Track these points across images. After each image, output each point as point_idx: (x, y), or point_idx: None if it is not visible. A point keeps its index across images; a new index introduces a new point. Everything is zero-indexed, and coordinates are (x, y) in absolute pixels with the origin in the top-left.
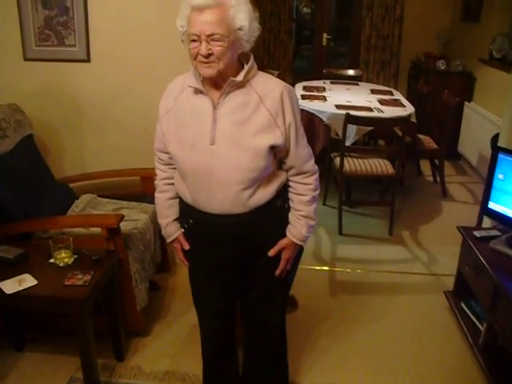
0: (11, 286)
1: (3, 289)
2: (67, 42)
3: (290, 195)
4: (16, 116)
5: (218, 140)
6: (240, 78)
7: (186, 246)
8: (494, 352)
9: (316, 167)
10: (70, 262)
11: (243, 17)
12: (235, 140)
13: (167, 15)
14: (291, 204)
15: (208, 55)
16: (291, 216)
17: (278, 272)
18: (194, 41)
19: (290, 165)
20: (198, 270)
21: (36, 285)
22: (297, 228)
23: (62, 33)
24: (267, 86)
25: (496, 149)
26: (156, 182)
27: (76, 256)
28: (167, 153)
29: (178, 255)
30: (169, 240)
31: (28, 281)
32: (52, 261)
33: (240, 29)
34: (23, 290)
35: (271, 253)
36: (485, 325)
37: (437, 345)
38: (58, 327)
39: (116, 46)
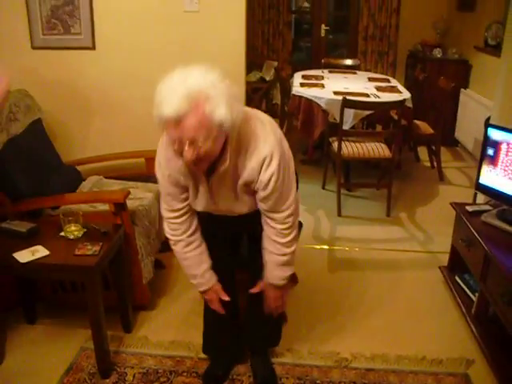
0: (25, 256)
1: (17, 258)
2: (73, 31)
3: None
4: (25, 101)
5: (217, 200)
6: (226, 164)
7: (226, 297)
8: (485, 321)
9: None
10: (79, 235)
11: (223, 111)
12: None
13: (170, 1)
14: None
15: (195, 160)
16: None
17: (266, 310)
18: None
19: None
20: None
21: (48, 255)
22: (272, 274)
23: (68, 21)
24: (250, 163)
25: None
26: (175, 239)
27: (85, 230)
28: (184, 187)
29: (213, 305)
30: (202, 288)
31: (41, 251)
32: (63, 234)
33: (221, 124)
34: (36, 259)
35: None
36: (477, 295)
37: (432, 316)
38: (68, 302)
39: (120, 33)
